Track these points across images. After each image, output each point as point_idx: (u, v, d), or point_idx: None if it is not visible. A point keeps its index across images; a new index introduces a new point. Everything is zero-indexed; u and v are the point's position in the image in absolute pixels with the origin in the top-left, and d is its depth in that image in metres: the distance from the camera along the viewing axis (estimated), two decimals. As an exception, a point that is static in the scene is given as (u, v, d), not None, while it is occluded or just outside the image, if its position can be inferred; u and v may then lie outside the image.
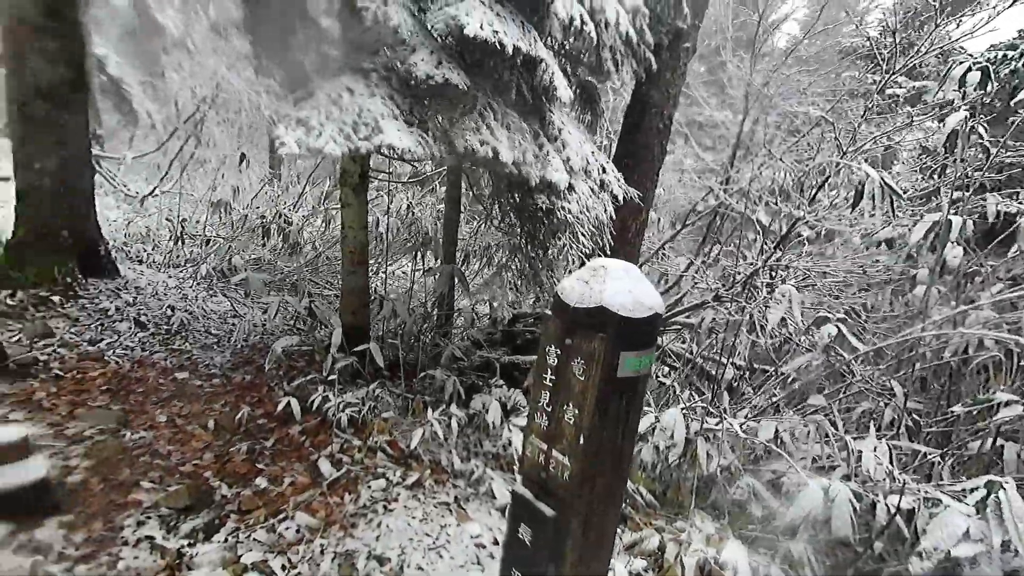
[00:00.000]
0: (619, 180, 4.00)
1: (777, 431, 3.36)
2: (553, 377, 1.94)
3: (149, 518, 2.74)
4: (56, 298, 4.92)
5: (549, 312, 1.98)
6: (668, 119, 5.61)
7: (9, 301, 4.69)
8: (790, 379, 4.32)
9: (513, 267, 3.93)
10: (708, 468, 3.33)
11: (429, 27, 2.66)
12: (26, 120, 4.79)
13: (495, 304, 4.28)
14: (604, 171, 3.71)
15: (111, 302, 5.20)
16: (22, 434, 2.70)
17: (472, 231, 7.35)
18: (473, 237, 7.32)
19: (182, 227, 7.65)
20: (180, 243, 7.50)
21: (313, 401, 3.99)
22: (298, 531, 2.86)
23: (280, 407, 3.89)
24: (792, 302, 2.94)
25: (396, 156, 3.84)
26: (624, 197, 4.01)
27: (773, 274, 4.20)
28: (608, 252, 4.20)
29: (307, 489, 3.23)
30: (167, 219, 8.40)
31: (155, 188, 10.06)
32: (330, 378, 3.94)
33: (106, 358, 4.30)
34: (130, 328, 4.87)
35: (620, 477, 2.03)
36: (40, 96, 4.76)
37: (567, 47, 4.46)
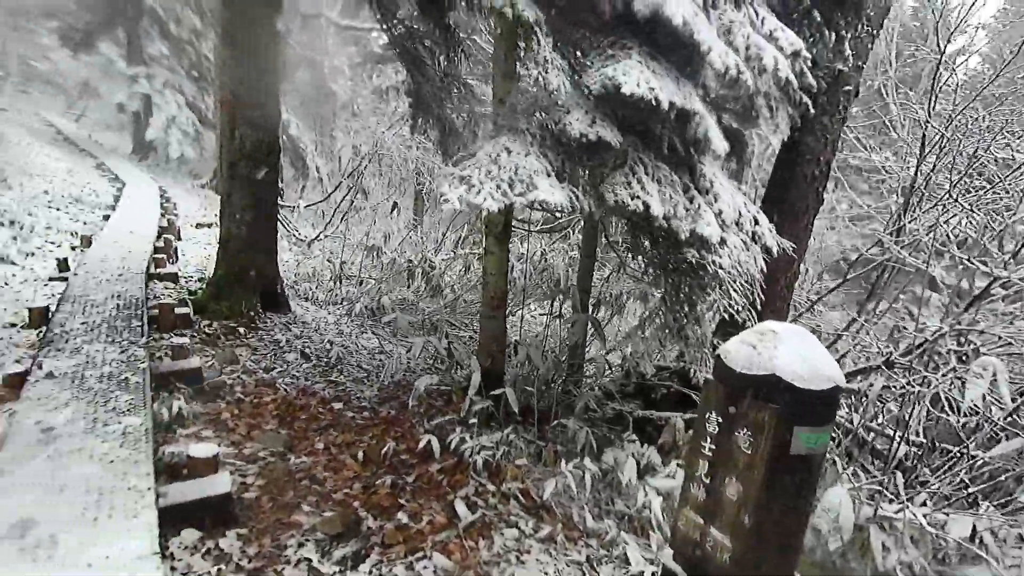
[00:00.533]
0: (771, 232, 3.77)
1: (975, 529, 2.83)
2: (713, 446, 1.82)
3: (308, 540, 2.97)
4: (242, 329, 5.68)
5: (709, 376, 1.88)
6: (825, 166, 5.22)
7: (207, 330, 5.50)
8: (978, 462, 3.65)
9: (656, 320, 3.81)
10: (884, 563, 2.88)
11: (583, 88, 2.76)
12: (233, 178, 5.71)
13: (638, 357, 4.17)
14: (756, 223, 3.52)
15: (283, 335, 5.88)
16: (213, 451, 3.10)
17: (602, 278, 7.32)
18: (604, 284, 7.29)
19: (341, 269, 8.50)
20: (338, 283, 8.34)
21: (451, 441, 4.14)
22: (435, 572, 2.92)
23: (421, 444, 4.08)
24: (999, 378, 2.51)
25: (545, 210, 3.97)
26: (776, 250, 3.76)
27: (962, 340, 3.63)
28: (758, 308, 3.93)
29: (444, 529, 3.31)
30: (328, 261, 9.40)
31: (320, 233, 11.37)
32: (470, 421, 4.06)
33: (277, 385, 4.83)
34: (296, 359, 5.45)
35: (788, 565, 1.83)
36: (244, 157, 5.66)
37: (712, 94, 4.38)
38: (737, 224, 3.25)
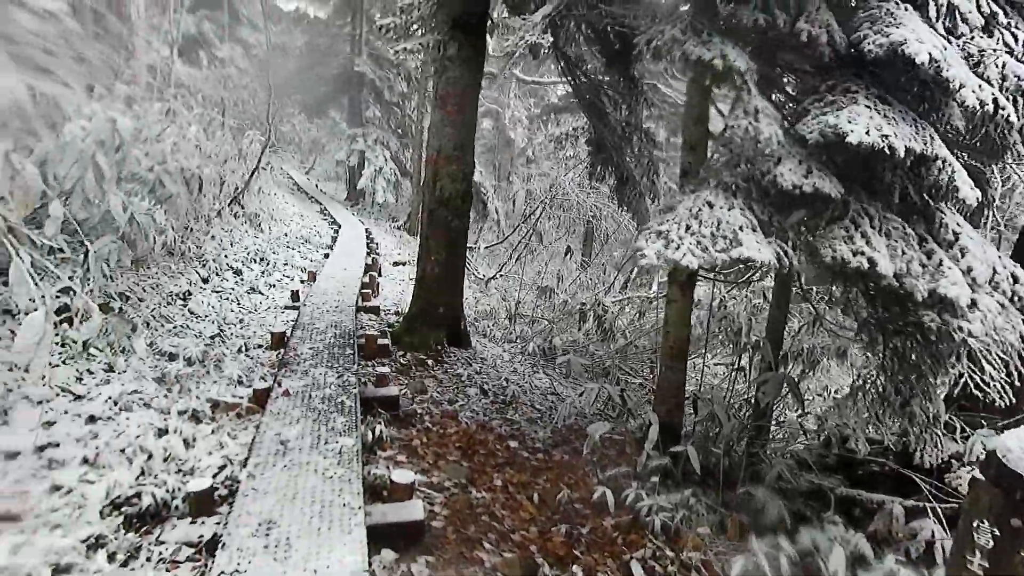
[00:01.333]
0: (1037, 291, 3.09)
1: None
2: (985, 563, 1.50)
3: (488, 580, 3.05)
4: (430, 361, 6.19)
5: (978, 475, 1.57)
6: (1110, 208, 4.19)
7: (401, 360, 6.09)
8: None
9: (872, 391, 3.32)
10: None
11: (796, 137, 2.58)
12: (431, 224, 6.35)
13: (847, 431, 3.67)
14: (1016, 281, 2.91)
15: (464, 369, 6.28)
16: (411, 479, 3.37)
17: (790, 330, 6.65)
18: (793, 338, 6.62)
19: (515, 308, 8.88)
20: (513, 321, 8.70)
21: (626, 496, 4.00)
22: (613, 637, 2.80)
23: (595, 495, 4.01)
24: None
25: (748, 266, 3.76)
26: (1044, 314, 3.06)
27: None
28: (1012, 385, 3.21)
29: (620, 592, 3.19)
30: (503, 299, 9.90)
31: (496, 273, 12.06)
32: (649, 478, 3.90)
33: (459, 418, 5.14)
34: (476, 393, 5.76)
35: None
36: (442, 205, 6.28)
37: (941, 128, 3.80)
38: (991, 283, 2.72)
